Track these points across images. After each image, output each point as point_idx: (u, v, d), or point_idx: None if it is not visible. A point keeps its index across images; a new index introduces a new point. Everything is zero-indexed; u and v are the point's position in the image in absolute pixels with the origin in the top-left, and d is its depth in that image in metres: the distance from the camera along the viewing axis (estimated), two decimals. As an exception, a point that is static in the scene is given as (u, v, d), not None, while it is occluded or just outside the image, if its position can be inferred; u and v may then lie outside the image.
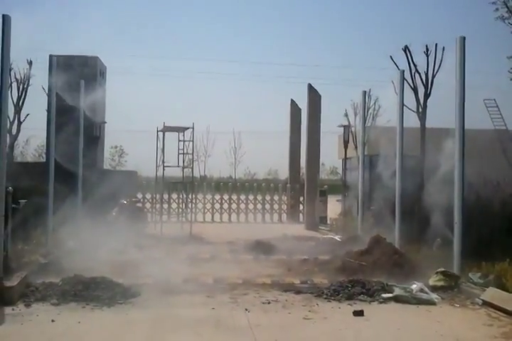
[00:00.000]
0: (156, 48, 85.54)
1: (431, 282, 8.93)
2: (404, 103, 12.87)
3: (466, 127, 9.42)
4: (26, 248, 10.66)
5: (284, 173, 39.77)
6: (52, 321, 6.80)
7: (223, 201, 23.21)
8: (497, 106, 26.80)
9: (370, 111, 24.04)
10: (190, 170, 18.28)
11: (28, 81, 22.67)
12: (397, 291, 8.29)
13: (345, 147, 24.60)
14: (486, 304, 7.86)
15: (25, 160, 45.02)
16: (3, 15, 8.22)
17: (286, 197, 23.40)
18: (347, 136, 24.52)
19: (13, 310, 7.31)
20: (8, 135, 17.11)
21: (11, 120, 21.90)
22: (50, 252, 10.71)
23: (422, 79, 17.55)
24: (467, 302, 8.13)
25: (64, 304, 7.62)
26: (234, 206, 23.20)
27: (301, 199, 22.32)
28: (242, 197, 23.42)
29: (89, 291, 7.95)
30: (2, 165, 8.11)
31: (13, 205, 9.48)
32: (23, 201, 11.04)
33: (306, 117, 20.77)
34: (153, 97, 74.83)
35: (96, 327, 6.64)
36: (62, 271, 9.16)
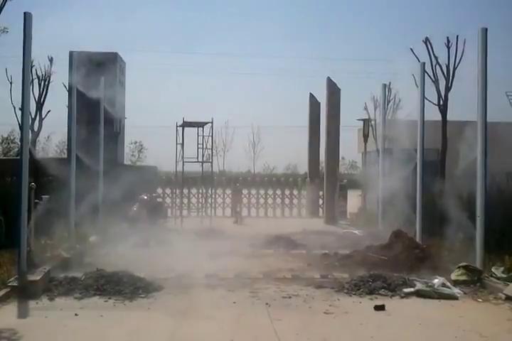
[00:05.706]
0: (175, 43, 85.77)
1: (453, 276, 8.86)
2: (425, 96, 12.72)
3: (488, 119, 9.29)
4: (49, 243, 10.80)
5: (303, 168, 39.74)
6: (76, 315, 6.90)
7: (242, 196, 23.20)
8: (520, 99, 26.42)
9: (390, 104, 23.73)
10: (210, 164, 18.34)
11: (49, 78, 22.89)
12: (419, 286, 8.25)
13: (365, 141, 24.42)
14: (510, 299, 7.77)
15: (47, 156, 45.51)
16: (25, 13, 8.31)
17: (305, 192, 23.32)
18: (367, 129, 24.34)
19: (37, 303, 7.44)
20: (30, 131, 17.30)
21: (33, 116, 22.17)
22: (72, 247, 10.85)
23: (443, 72, 17.28)
24: (490, 297, 8.05)
25: (87, 298, 7.73)
26: (253, 200, 23.21)
27: (321, 193, 22.23)
28: (261, 191, 23.42)
29: (111, 285, 8.06)
30: (24, 162, 8.22)
31: (36, 200, 9.60)
32: (46, 196, 11.16)
33: (326, 111, 20.61)
34: (173, 93, 75.09)
35: (118, 321, 6.71)
36: (84, 266, 9.32)
